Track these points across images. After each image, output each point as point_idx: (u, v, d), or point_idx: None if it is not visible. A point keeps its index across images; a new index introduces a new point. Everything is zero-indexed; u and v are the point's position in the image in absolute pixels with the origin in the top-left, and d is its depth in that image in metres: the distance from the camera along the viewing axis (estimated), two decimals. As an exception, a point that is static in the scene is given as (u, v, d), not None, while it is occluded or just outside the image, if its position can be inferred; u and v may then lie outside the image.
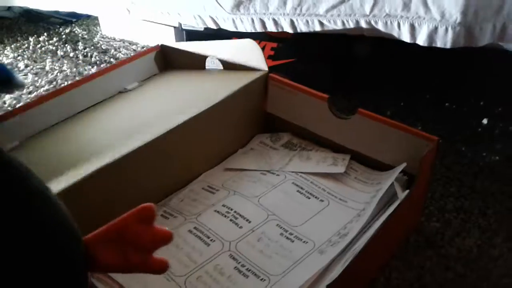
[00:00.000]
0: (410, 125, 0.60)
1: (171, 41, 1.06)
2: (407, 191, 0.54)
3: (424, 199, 0.64)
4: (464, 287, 0.57)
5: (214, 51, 0.77)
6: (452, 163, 0.76)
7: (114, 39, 1.16)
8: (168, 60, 0.84)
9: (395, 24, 0.73)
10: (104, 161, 0.55)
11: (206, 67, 0.78)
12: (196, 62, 0.79)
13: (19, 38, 1.17)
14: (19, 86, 0.74)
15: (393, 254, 0.60)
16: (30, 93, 0.95)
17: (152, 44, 1.09)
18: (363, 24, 0.76)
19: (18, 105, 0.91)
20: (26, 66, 1.05)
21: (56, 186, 0.50)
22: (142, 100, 0.73)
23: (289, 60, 0.95)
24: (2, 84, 0.72)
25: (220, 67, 0.77)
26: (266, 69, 0.71)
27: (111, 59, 1.07)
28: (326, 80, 0.90)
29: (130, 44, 1.13)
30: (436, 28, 0.70)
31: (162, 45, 0.82)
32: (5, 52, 1.11)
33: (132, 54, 1.08)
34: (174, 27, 1.04)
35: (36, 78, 1.00)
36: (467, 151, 0.78)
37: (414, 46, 0.75)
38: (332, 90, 0.69)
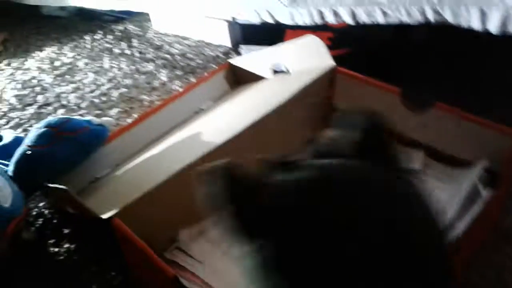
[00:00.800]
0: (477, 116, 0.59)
1: (226, 41, 1.07)
2: (489, 189, 0.53)
3: (506, 196, 0.63)
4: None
5: (278, 56, 0.78)
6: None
7: (167, 34, 1.17)
8: (237, 76, 0.86)
9: (463, 10, 0.71)
10: (186, 161, 0.57)
11: (273, 74, 0.79)
12: (263, 72, 0.80)
13: (75, 37, 1.20)
14: None
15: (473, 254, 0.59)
16: (92, 91, 0.98)
17: (206, 39, 1.11)
18: (429, 12, 0.74)
19: (84, 115, 0.94)
20: (86, 64, 1.08)
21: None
22: (216, 113, 0.76)
23: (346, 51, 0.93)
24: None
25: (286, 70, 0.77)
26: (333, 63, 0.70)
27: (166, 55, 1.08)
28: (384, 71, 0.88)
29: (183, 39, 1.14)
30: (510, 14, 0.67)
31: (229, 63, 0.84)
32: (63, 51, 1.15)
33: (185, 50, 1.10)
34: (228, 21, 1.04)
35: (96, 77, 1.03)
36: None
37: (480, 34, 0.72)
38: (395, 81, 0.68)
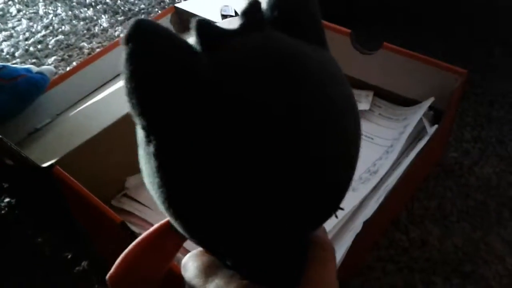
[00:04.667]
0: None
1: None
2: (436, 126, 0.54)
3: (449, 133, 0.65)
4: (485, 213, 0.59)
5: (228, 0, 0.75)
6: (467, 93, 0.76)
7: (106, -23, 1.09)
8: (184, 20, 0.81)
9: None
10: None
11: (221, 16, 0.75)
12: (212, 16, 0.77)
13: (4, -20, 1.10)
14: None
15: (417, 187, 0.61)
16: (26, 39, 0.91)
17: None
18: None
19: (17, 53, 0.87)
20: (19, 11, 0.99)
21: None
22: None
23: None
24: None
25: (235, 13, 0.74)
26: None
27: (107, 0, 1.02)
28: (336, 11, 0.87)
29: (123, -18, 1.07)
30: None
31: (175, 7, 0.80)
32: (-8, -4, 1.05)
33: (127, -7, 1.03)
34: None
35: (31, 23, 0.95)
36: (481, 81, 0.78)
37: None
38: (343, 22, 0.67)
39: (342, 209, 0.26)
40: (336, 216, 0.26)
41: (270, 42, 0.22)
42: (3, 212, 0.59)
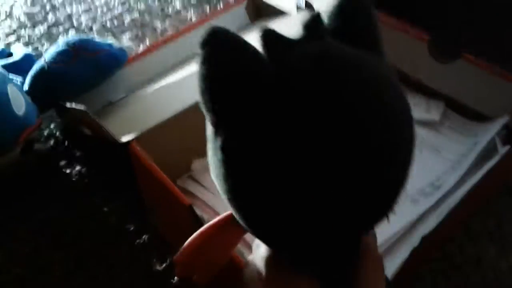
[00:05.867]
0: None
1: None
2: (508, 146, 0.53)
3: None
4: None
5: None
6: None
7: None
8: (259, 9, 0.82)
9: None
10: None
11: (296, 10, 0.76)
12: (288, 6, 0.77)
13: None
14: None
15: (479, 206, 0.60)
16: (104, 14, 0.95)
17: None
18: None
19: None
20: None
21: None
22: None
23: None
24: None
25: (310, 6, 0.74)
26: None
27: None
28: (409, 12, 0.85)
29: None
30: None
31: None
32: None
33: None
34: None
35: (109, -1, 0.99)
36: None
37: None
38: (427, 30, 0.65)
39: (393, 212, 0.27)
40: (388, 219, 0.27)
41: (328, 51, 0.24)
42: (73, 179, 0.63)
